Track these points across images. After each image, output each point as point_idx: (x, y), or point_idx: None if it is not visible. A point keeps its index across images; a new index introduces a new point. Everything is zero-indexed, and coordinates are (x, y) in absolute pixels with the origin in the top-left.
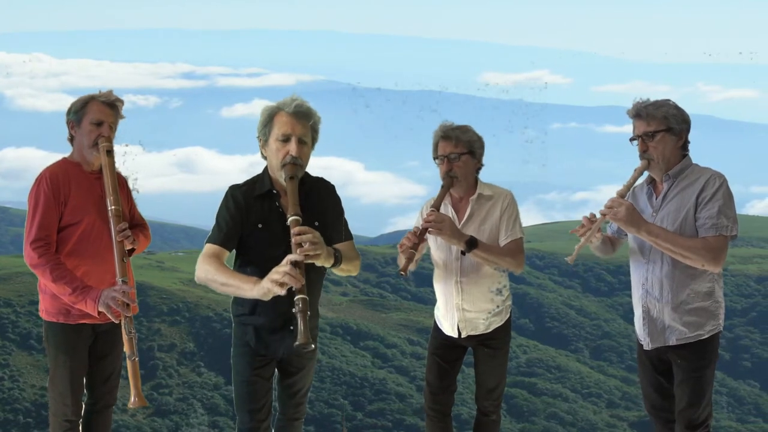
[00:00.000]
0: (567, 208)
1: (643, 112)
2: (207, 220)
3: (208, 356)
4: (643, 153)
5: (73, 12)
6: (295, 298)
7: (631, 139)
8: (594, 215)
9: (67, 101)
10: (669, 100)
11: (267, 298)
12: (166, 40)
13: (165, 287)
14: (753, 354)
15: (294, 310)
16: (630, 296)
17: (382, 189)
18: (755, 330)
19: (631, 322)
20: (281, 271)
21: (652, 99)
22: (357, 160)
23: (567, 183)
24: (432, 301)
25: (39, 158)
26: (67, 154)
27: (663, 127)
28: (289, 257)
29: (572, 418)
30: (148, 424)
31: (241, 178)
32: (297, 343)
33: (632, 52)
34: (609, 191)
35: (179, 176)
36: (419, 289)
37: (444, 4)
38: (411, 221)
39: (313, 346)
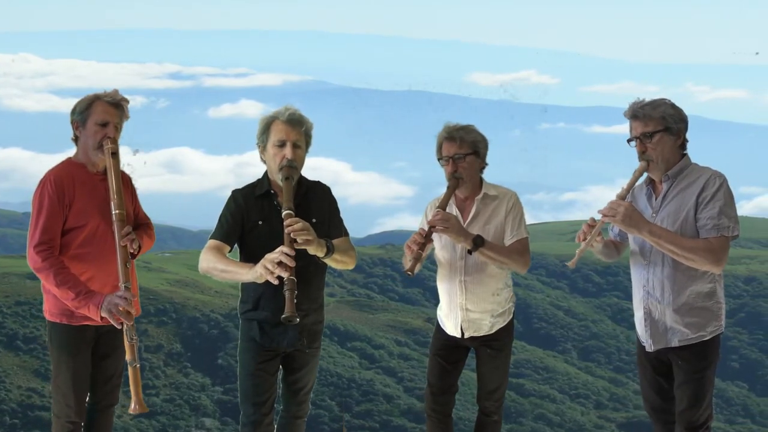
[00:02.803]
0: (555, 209)
1: (639, 112)
2: (194, 221)
3: (195, 357)
4: (642, 154)
5: (60, 12)
6: (285, 279)
7: (629, 140)
8: (594, 219)
9: (54, 101)
10: (665, 99)
11: (260, 281)
12: (153, 40)
13: (152, 288)
14: (741, 355)
15: (284, 290)
16: (617, 297)
17: (369, 189)
18: (743, 331)
19: (619, 323)
20: (272, 259)
21: (648, 99)
22: (344, 160)
23: (555, 183)
24: (419, 302)
25: (25, 159)
26: (53, 155)
27: (661, 127)
28: (281, 248)
29: (560, 419)
30: (134, 425)
31: (228, 179)
32: (283, 315)
33: (621, 52)
34: (597, 192)
35: (166, 177)
36: (407, 290)
37: (431, 5)
38: (399, 222)
39: (298, 319)
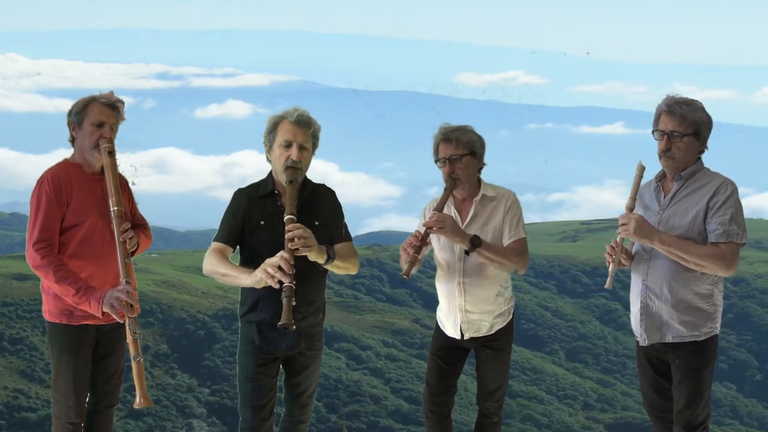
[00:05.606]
0: (543, 209)
1: (676, 110)
2: (181, 221)
3: (182, 358)
4: (666, 151)
5: (46, 12)
6: (283, 286)
7: (653, 131)
8: (616, 241)
9: (41, 102)
10: (700, 103)
11: (259, 286)
12: (141, 40)
13: (139, 289)
14: (729, 356)
15: (281, 296)
16: (605, 298)
17: (356, 190)
18: (732, 332)
19: (607, 324)
20: (273, 263)
21: (684, 97)
22: (332, 160)
23: (543, 184)
24: (406, 303)
25: (12, 159)
26: (40, 155)
27: (691, 131)
28: (281, 253)
29: (548, 420)
30: (121, 426)
31: (215, 179)
32: (279, 323)
33: (608, 53)
34: (586, 192)
35: (153, 177)
36: (394, 291)
37: (420, 5)
38: (386, 222)
39: (294, 327)
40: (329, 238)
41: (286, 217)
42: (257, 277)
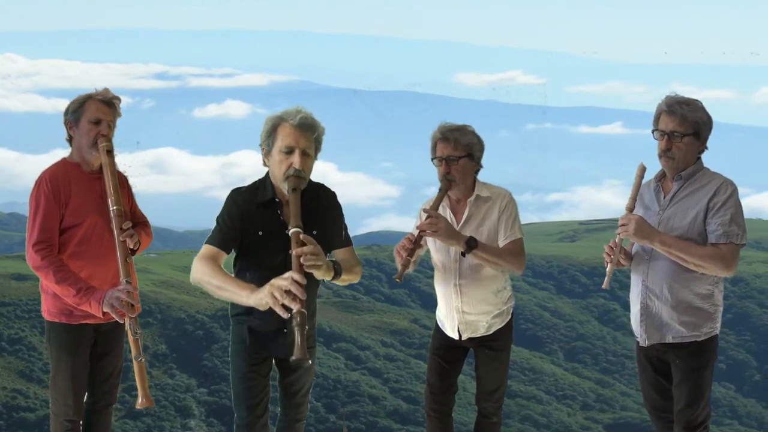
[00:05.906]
0: (541, 210)
1: (677, 109)
2: (180, 222)
3: (181, 358)
4: (666, 151)
5: (45, 12)
6: (294, 312)
7: (653, 131)
8: (614, 241)
9: (40, 102)
10: (699, 102)
11: (262, 309)
12: (139, 40)
13: (137, 288)
14: (728, 356)
15: (292, 324)
16: (604, 298)
17: (355, 190)
18: (730, 332)
19: (606, 323)
20: (281, 287)
21: (684, 96)
22: (330, 161)
23: (541, 184)
24: (405, 303)
25: (10, 159)
26: (38, 155)
27: (691, 131)
28: (292, 275)
29: (546, 420)
30: (119, 426)
31: (213, 179)
32: (293, 357)
33: (607, 53)
34: (584, 192)
35: (151, 177)
36: (392, 291)
37: (419, 5)
38: (385, 222)
39: (309, 362)
40: (329, 246)
41: (291, 230)
42: (262, 301)
